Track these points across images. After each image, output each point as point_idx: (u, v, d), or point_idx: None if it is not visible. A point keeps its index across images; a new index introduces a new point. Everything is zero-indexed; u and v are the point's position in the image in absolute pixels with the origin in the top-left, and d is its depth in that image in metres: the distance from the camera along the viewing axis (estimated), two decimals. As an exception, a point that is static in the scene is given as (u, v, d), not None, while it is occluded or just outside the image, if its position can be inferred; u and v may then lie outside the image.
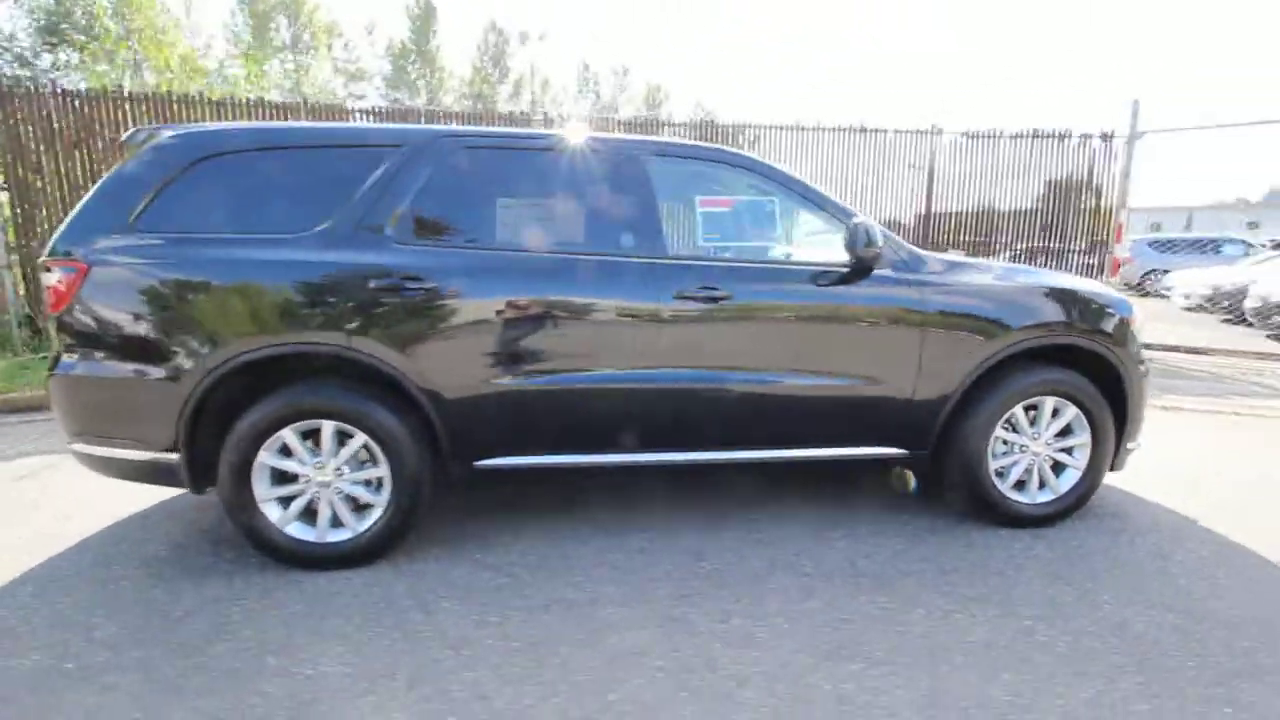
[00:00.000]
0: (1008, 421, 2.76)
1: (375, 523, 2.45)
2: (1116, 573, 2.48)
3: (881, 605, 2.25)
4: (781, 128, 8.35)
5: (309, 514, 2.45)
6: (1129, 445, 2.90)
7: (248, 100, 7.10)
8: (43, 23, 19.26)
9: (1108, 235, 8.03)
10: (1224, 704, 1.78)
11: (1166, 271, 13.09)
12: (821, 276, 2.62)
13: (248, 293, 2.32)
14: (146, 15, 12.83)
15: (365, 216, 2.41)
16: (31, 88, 6.30)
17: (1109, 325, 2.81)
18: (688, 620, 2.17)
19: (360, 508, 2.48)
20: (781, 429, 2.69)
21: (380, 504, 2.45)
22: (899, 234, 2.99)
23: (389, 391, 2.43)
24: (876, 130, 8.44)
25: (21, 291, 6.35)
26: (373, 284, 2.35)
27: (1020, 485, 2.83)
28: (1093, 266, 8.90)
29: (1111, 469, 2.89)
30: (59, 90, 6.33)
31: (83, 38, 18.55)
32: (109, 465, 2.44)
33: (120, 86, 7.10)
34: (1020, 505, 2.80)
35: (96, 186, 2.45)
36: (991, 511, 2.79)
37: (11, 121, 6.11)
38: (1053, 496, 2.83)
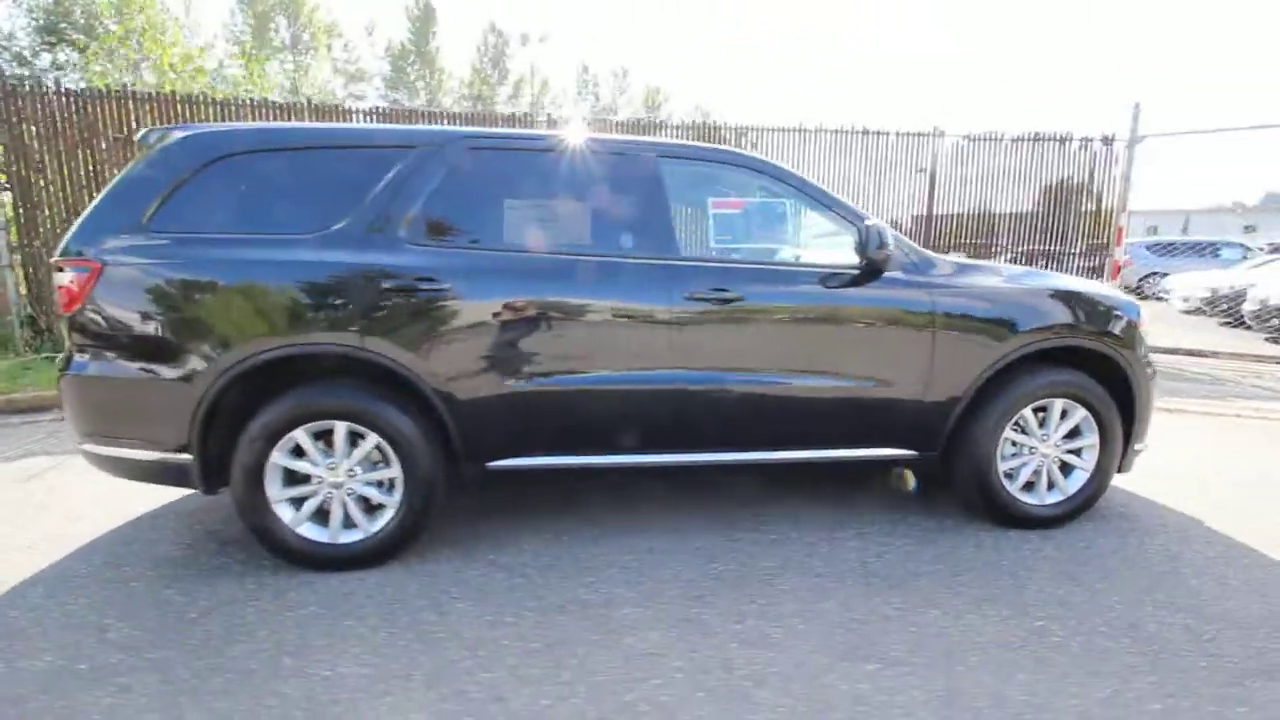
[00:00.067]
0: (1017, 423, 2.78)
1: (387, 524, 2.45)
2: (1126, 573, 2.49)
3: (895, 605, 2.25)
4: (783, 130, 8.37)
5: (321, 515, 2.45)
6: (1136, 447, 2.92)
7: (252, 101, 7.09)
8: (41, 22, 19.21)
9: (1108, 238, 8.06)
10: (1238, 704, 1.79)
11: (1165, 275, 13.16)
12: (832, 278, 2.64)
13: (261, 293, 2.32)
14: (148, 15, 12.81)
15: (379, 217, 2.41)
16: (35, 87, 6.28)
17: (1117, 327, 2.82)
18: (702, 621, 2.17)
19: (372, 508, 2.49)
20: (793, 430, 2.69)
21: (392, 505, 2.45)
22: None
23: (401, 392, 2.43)
24: (878, 132, 8.46)
25: (23, 291, 6.33)
26: (386, 285, 2.35)
27: (1029, 486, 2.85)
28: (1092, 269, 8.94)
29: (1119, 470, 2.91)
30: (62, 90, 6.32)
31: (82, 37, 18.53)
32: (120, 466, 2.43)
33: (124, 86, 7.08)
34: (1029, 506, 2.81)
35: (109, 186, 2.45)
36: (1001, 513, 2.80)
37: (14, 121, 6.09)
38: (1061, 498, 2.84)
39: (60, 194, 6.31)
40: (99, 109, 6.31)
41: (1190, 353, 7.33)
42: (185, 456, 2.35)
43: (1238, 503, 3.15)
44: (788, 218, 2.81)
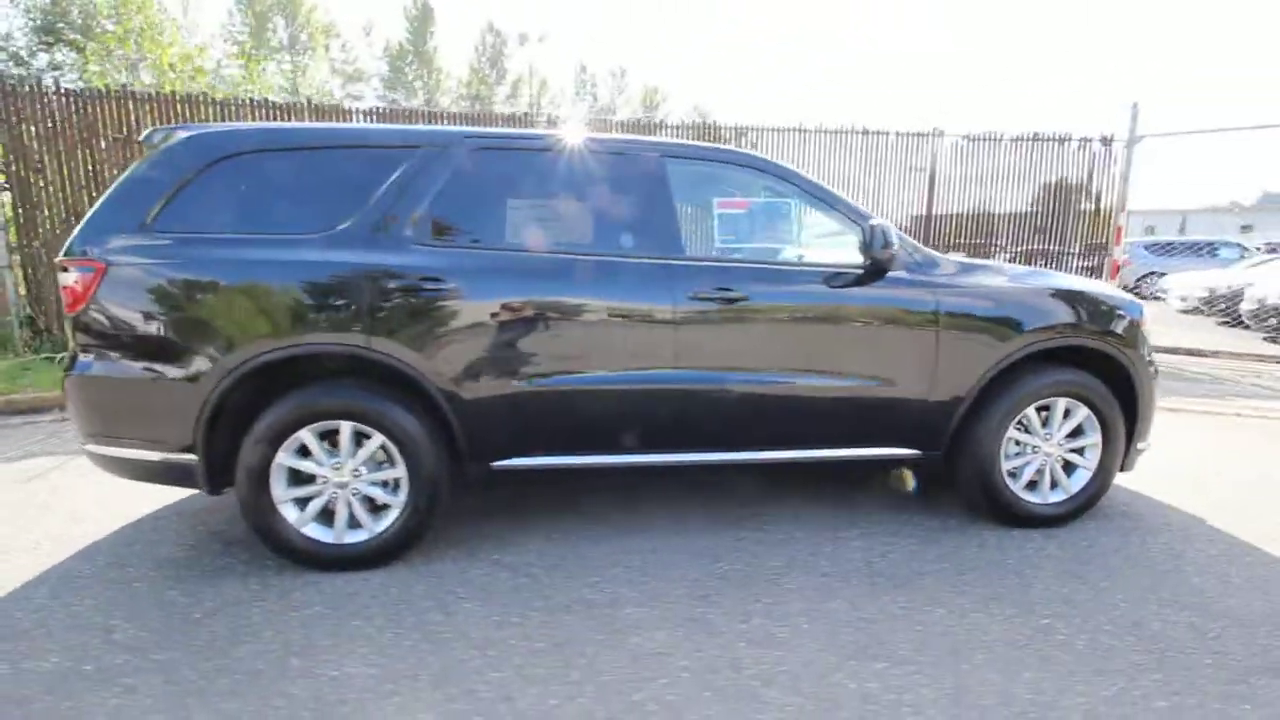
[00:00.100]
0: (1020, 422, 2.78)
1: (392, 524, 2.45)
2: (1130, 572, 2.50)
3: (901, 604, 2.26)
4: (783, 130, 8.38)
5: (326, 515, 2.44)
6: (1139, 445, 2.93)
7: (251, 100, 7.08)
8: (39, 22, 19.16)
9: (1107, 238, 8.08)
10: (1243, 701, 1.80)
11: (1162, 274, 13.19)
12: (836, 278, 2.64)
13: (266, 293, 2.32)
14: (145, 15, 12.78)
15: (384, 217, 2.41)
16: (34, 87, 6.26)
17: (1119, 327, 2.83)
18: (708, 620, 2.17)
19: (377, 509, 2.48)
20: (798, 430, 2.70)
21: (397, 505, 2.45)
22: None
23: (407, 392, 2.43)
24: (878, 132, 8.48)
25: (23, 292, 6.31)
26: (392, 285, 2.35)
27: (1032, 485, 2.85)
28: (1091, 269, 8.96)
29: (1121, 469, 2.91)
30: (62, 90, 6.30)
31: (79, 37, 18.48)
32: (124, 466, 2.43)
33: (124, 86, 7.06)
34: (1033, 505, 2.82)
35: (113, 187, 2.45)
36: (1004, 512, 2.81)
37: (14, 121, 6.08)
38: (1065, 496, 2.85)
39: (60, 194, 6.29)
40: (98, 109, 6.29)
41: (1189, 352, 7.36)
42: (190, 457, 2.34)
43: (1239, 501, 3.16)
44: (792, 217, 2.82)
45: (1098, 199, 8.84)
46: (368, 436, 2.40)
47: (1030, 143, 8.70)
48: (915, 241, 2.78)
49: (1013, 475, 2.81)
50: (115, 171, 6.32)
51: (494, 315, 2.42)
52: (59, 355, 5.73)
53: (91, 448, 2.42)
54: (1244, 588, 2.38)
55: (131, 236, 2.32)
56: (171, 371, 2.29)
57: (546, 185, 2.64)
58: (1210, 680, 1.88)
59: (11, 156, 6.11)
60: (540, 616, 2.19)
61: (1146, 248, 14.91)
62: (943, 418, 2.72)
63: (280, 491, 2.36)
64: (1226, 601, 2.29)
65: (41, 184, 6.22)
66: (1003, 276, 2.82)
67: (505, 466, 2.53)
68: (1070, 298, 2.81)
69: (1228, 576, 2.46)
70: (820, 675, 1.90)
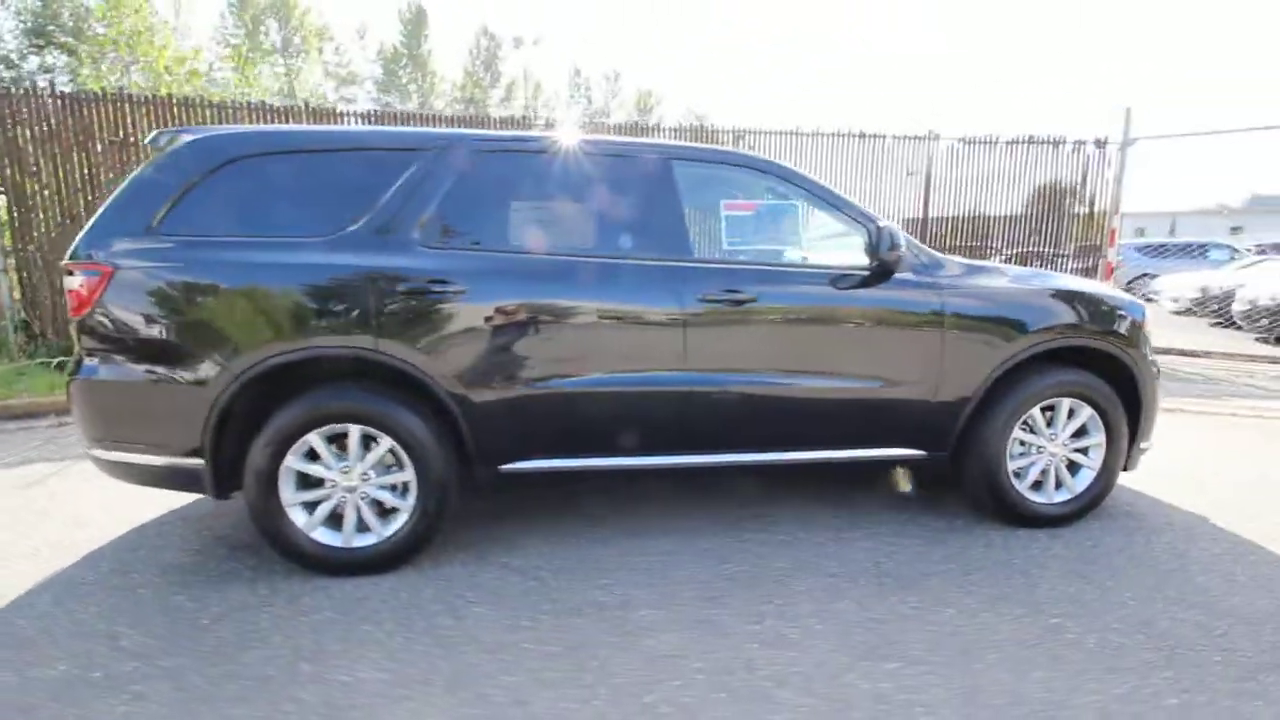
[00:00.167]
0: (1025, 423, 2.80)
1: (401, 527, 2.44)
2: (1135, 571, 2.52)
3: (911, 605, 2.26)
4: (780, 133, 8.41)
5: (334, 519, 2.43)
6: (1142, 445, 2.95)
7: (248, 103, 7.05)
8: (29, 24, 19.02)
9: (1101, 240, 8.14)
10: (1254, 698, 1.81)
11: (1154, 276, 13.29)
12: (843, 279, 2.65)
13: (274, 297, 2.31)
14: (142, 16, 12.70)
15: (392, 220, 2.41)
16: (30, 89, 6.21)
17: (1122, 327, 2.85)
18: (719, 622, 2.17)
19: (386, 512, 2.47)
20: (805, 431, 2.71)
21: (406, 508, 2.44)
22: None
23: (415, 395, 2.42)
24: (874, 136, 8.52)
25: (17, 296, 6.25)
26: (400, 287, 2.34)
27: (1037, 485, 2.87)
28: (1085, 271, 9.02)
29: (1125, 469, 2.94)
30: (57, 92, 6.26)
31: (70, 40, 18.36)
32: (130, 471, 2.41)
33: (120, 89, 7.02)
34: (1038, 505, 2.84)
35: (118, 190, 2.43)
36: (1010, 512, 2.82)
37: (8, 124, 6.03)
38: (1069, 496, 2.86)
39: (55, 198, 6.24)
40: (94, 112, 6.25)
41: (1183, 353, 7.42)
42: (197, 461, 2.33)
43: (1239, 501, 3.19)
44: (799, 220, 2.83)
45: (1091, 201, 8.91)
46: (376, 440, 2.39)
47: (1025, 145, 8.77)
48: (920, 243, 2.80)
49: (1018, 475, 2.82)
50: (111, 175, 6.28)
51: (502, 317, 2.42)
52: (54, 360, 5.68)
53: (97, 453, 2.40)
54: (1249, 586, 2.40)
55: (138, 240, 2.31)
56: (179, 375, 2.28)
57: (554, 188, 2.65)
58: (1220, 678, 1.89)
59: (6, 160, 6.06)
60: (551, 619, 2.19)
61: (1139, 249, 15.02)
62: (949, 418, 2.73)
63: (289, 495, 2.35)
64: (1232, 600, 2.30)
65: (36, 187, 6.16)
66: (1006, 278, 2.84)
67: (514, 469, 2.52)
68: (1073, 298, 2.83)
69: (1232, 575, 2.48)
70: (833, 676, 1.90)
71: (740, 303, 2.54)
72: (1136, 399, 2.88)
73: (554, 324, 2.46)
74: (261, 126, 2.99)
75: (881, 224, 2.58)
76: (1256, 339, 8.75)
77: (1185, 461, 3.75)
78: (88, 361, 2.34)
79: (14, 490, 3.40)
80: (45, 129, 6.12)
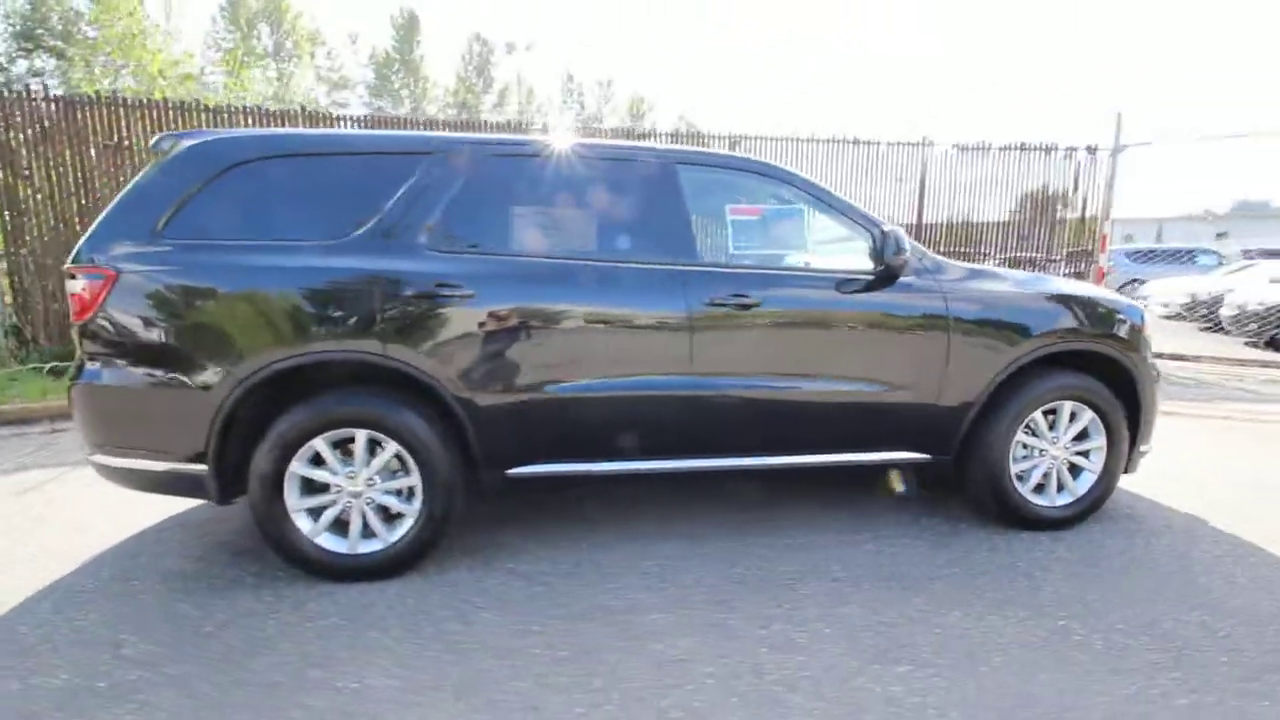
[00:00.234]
0: (1027, 426, 2.82)
1: (407, 533, 2.43)
2: (1138, 573, 2.54)
3: (918, 608, 2.27)
4: (776, 139, 8.46)
5: (339, 525, 2.42)
6: (1141, 448, 2.98)
7: (244, 107, 7.02)
8: (18, 28, 18.88)
9: (1092, 246, 8.23)
10: (1260, 698, 1.83)
11: (1143, 281, 13.44)
12: (848, 283, 2.67)
13: (280, 301, 2.30)
14: (135, 19, 12.64)
15: (399, 223, 2.40)
16: (23, 92, 6.15)
17: (1122, 331, 2.89)
18: (728, 626, 2.17)
19: (391, 517, 2.46)
20: (810, 435, 2.71)
21: (412, 513, 2.43)
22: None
23: (421, 399, 2.41)
24: (869, 142, 8.59)
25: (9, 301, 6.19)
26: (408, 291, 2.34)
27: (1040, 488, 2.89)
28: (1076, 276, 9.11)
29: (1125, 471, 2.96)
30: (50, 96, 6.21)
31: (60, 43, 18.23)
32: (133, 477, 2.38)
33: (114, 92, 6.97)
34: (1040, 508, 2.86)
35: (122, 194, 2.41)
36: (1013, 515, 2.84)
37: (1, 127, 5.97)
38: (1071, 499, 2.89)
39: (48, 202, 6.18)
40: (88, 115, 6.20)
41: (1174, 357, 7.50)
42: (200, 467, 2.31)
43: (1236, 503, 3.22)
44: (803, 224, 2.84)
45: (1083, 207, 9.01)
46: (381, 445, 2.38)
47: (1017, 152, 8.86)
48: (924, 247, 2.82)
49: (1021, 478, 2.84)
50: (105, 179, 6.23)
51: (510, 321, 2.42)
52: (47, 365, 5.62)
53: (98, 458, 2.37)
54: (1250, 587, 2.43)
55: (142, 244, 2.29)
56: (184, 380, 2.26)
57: (559, 192, 2.65)
58: (1226, 678, 1.91)
59: (-2, 163, 6.01)
60: (560, 624, 2.18)
61: (1128, 255, 15.19)
62: (953, 422, 2.75)
63: (294, 501, 2.33)
64: (1235, 601, 2.33)
65: (29, 191, 6.10)
66: (1008, 282, 2.86)
67: (520, 473, 2.52)
68: (1075, 303, 2.86)
69: (1233, 577, 2.51)
70: (843, 679, 1.90)
71: (746, 307, 2.56)
72: (1136, 402, 2.91)
73: (560, 328, 2.46)
74: (265, 130, 2.99)
75: (886, 228, 2.60)
76: (1245, 343, 8.87)
77: (1182, 465, 3.79)
78: (90, 366, 2.32)
79: (10, 497, 3.35)
80: (38, 132, 6.07)
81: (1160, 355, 7.50)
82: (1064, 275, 9.17)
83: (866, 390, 2.68)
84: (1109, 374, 2.88)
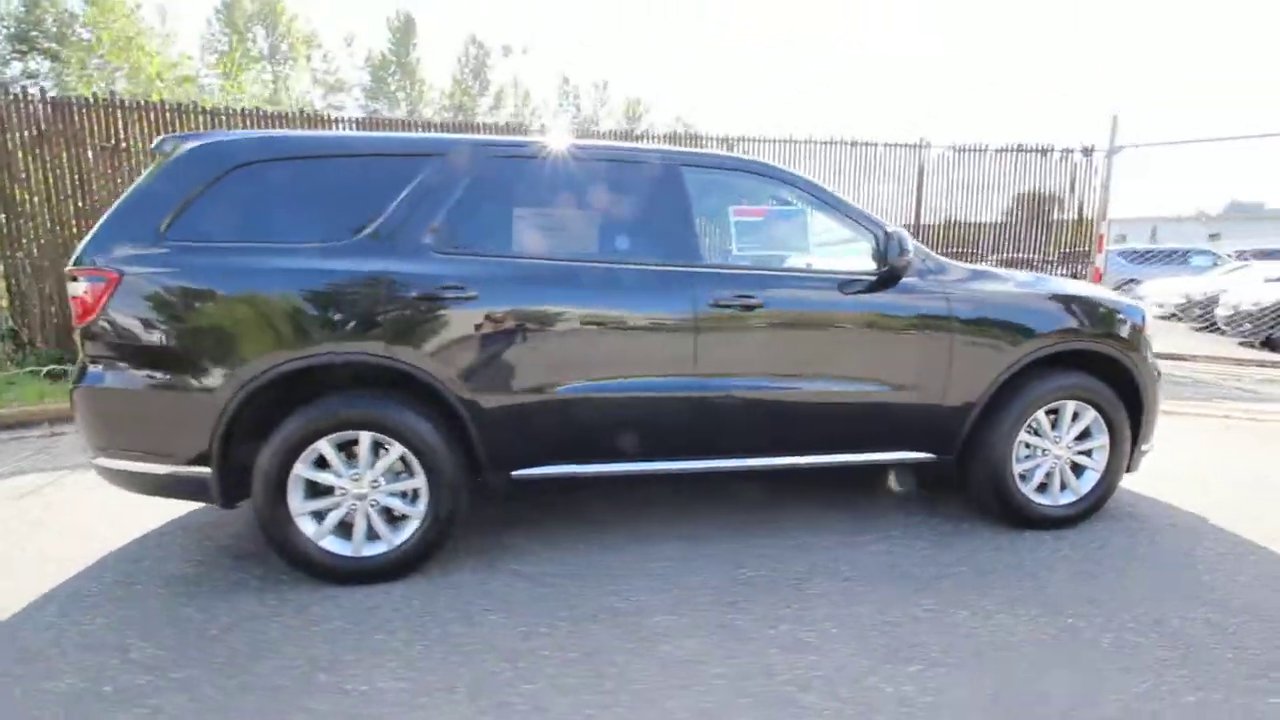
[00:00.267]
0: (1030, 425, 2.82)
1: (411, 535, 2.42)
2: (1143, 571, 2.55)
3: (927, 608, 2.27)
4: (773, 140, 8.48)
5: (343, 528, 2.40)
6: (1143, 447, 2.99)
7: (242, 110, 7.00)
8: (12, 30, 18.80)
9: (1089, 246, 8.27)
10: (1268, 694, 1.83)
11: (1138, 282, 13.50)
12: (851, 284, 2.67)
13: (285, 303, 2.29)
14: (131, 21, 12.59)
15: (404, 225, 2.40)
16: (20, 94, 6.12)
17: (1124, 330, 2.90)
18: (737, 627, 2.17)
19: (395, 520, 2.45)
20: (814, 434, 2.72)
21: (417, 515, 2.42)
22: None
23: (426, 401, 2.40)
24: (866, 143, 8.62)
25: (4, 304, 6.15)
26: (412, 293, 2.33)
27: (1042, 488, 2.89)
28: (1073, 276, 9.16)
29: (1127, 470, 2.97)
30: (47, 98, 6.18)
31: (54, 45, 18.15)
32: (136, 480, 2.37)
33: (112, 94, 6.94)
34: (1044, 507, 2.86)
35: (124, 196, 2.40)
36: (1016, 514, 2.85)
37: (-3, 129, 5.95)
38: (1074, 498, 2.89)
39: (45, 204, 6.14)
40: (85, 117, 6.18)
41: (1171, 356, 7.53)
42: (204, 470, 2.29)
43: (1238, 502, 3.23)
44: (806, 225, 2.85)
45: (1080, 208, 9.06)
46: (386, 447, 2.37)
47: (1014, 153, 8.91)
48: (927, 248, 2.83)
49: (1024, 478, 2.85)
50: (102, 181, 6.20)
51: (514, 323, 2.41)
52: (44, 369, 5.58)
53: (101, 461, 2.36)
54: (1254, 585, 2.44)
55: (145, 246, 2.28)
56: (188, 383, 2.25)
57: (563, 193, 2.64)
58: (1234, 675, 1.92)
59: (-7, 165, 5.97)
60: (567, 626, 2.17)
61: (1123, 255, 15.24)
62: (957, 421, 2.75)
63: (297, 504, 2.32)
64: (1240, 598, 2.33)
65: (27, 194, 6.07)
66: (1010, 282, 2.87)
67: (525, 475, 2.51)
68: (1076, 303, 2.87)
69: (1237, 575, 2.51)
70: (855, 679, 1.90)
71: (751, 308, 2.55)
72: (1138, 401, 2.91)
73: (564, 329, 2.45)
74: (269, 132, 2.97)
75: (890, 229, 2.61)
76: (1240, 343, 8.92)
77: (1183, 463, 3.80)
78: (92, 369, 2.30)
79: (8, 501, 3.33)
80: (35, 134, 6.04)
81: (1157, 355, 7.56)
82: (1061, 276, 9.23)
83: (869, 391, 2.68)
84: (1110, 373, 2.89)
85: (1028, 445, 2.86)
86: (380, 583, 2.41)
